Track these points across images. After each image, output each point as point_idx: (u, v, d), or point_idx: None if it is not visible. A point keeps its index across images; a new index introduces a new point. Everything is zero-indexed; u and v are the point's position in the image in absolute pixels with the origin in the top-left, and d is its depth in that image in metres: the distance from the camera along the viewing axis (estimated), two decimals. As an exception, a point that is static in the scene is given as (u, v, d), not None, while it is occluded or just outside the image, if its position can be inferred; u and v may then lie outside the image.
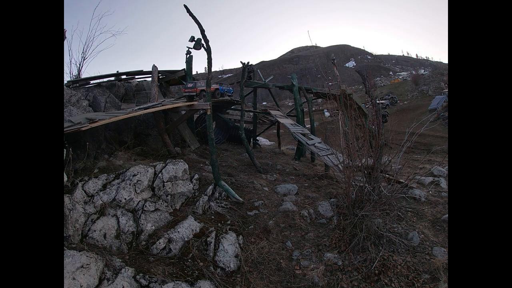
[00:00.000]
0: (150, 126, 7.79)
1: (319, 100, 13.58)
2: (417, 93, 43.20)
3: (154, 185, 4.53)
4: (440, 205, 5.14)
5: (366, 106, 10.99)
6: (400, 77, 69.97)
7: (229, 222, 4.52)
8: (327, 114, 18.46)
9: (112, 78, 8.34)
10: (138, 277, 3.09)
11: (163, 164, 4.87)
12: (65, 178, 4.04)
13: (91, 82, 7.96)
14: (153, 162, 5.21)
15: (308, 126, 10.08)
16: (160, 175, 4.65)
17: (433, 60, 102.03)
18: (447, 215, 4.66)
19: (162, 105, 6.47)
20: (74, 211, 3.67)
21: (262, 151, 11.03)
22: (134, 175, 4.37)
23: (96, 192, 4.06)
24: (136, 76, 9.08)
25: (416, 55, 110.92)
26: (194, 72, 10.10)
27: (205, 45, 5.64)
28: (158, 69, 8.79)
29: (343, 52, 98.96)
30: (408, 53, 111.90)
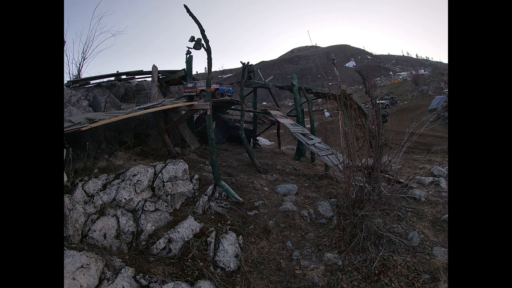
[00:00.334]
0: (150, 126, 7.79)
1: (319, 100, 13.58)
2: (417, 93, 43.20)
3: (154, 185, 4.53)
4: (440, 205, 5.14)
5: (366, 106, 11.00)
6: (400, 77, 69.97)
7: (229, 222, 4.52)
8: (327, 114, 18.46)
9: (112, 78, 8.34)
10: (138, 277, 3.09)
11: (163, 164, 4.87)
12: (65, 178, 4.04)
13: (91, 82, 7.96)
14: (153, 162, 5.21)
15: (308, 126, 10.07)
16: (160, 175, 4.65)
17: (433, 60, 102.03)
18: (447, 215, 4.66)
19: (162, 105, 6.47)
20: (74, 211, 3.67)
21: (262, 151, 11.03)
22: (134, 175, 4.37)
23: (96, 192, 4.06)
24: (136, 76, 9.07)
25: (416, 55, 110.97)
26: (194, 72, 10.10)
27: (205, 45, 5.64)
28: (158, 69, 8.79)
29: (343, 52, 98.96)
30: (408, 53, 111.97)
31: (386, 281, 3.42)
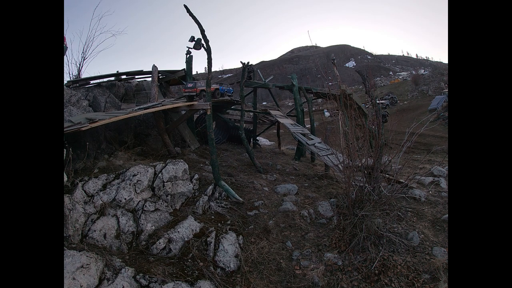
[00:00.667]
0: (150, 126, 7.79)
1: (319, 100, 13.57)
2: (417, 93, 43.22)
3: (154, 185, 4.53)
4: (440, 205, 5.14)
5: (366, 106, 10.99)
6: (400, 77, 70.00)
7: (229, 222, 4.52)
8: (327, 114, 18.45)
9: (112, 78, 8.34)
10: (138, 277, 3.09)
11: (163, 164, 4.87)
12: (65, 178, 4.04)
13: (91, 82, 7.95)
14: (153, 162, 5.21)
15: (308, 126, 10.07)
16: (160, 175, 4.65)
17: (433, 60, 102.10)
18: (447, 215, 4.66)
19: (162, 105, 6.47)
20: (74, 211, 3.67)
21: (262, 151, 11.03)
22: (134, 175, 4.37)
23: (96, 192, 4.06)
24: (136, 76, 9.07)
25: (416, 55, 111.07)
26: (194, 72, 10.09)
27: (205, 45, 5.64)
28: (158, 69, 8.79)
29: (343, 52, 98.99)
30: (408, 53, 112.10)
31: (386, 281, 3.42)
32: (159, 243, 3.73)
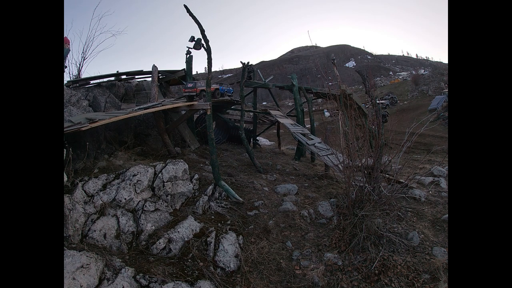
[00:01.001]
0: (150, 126, 7.79)
1: (319, 100, 13.57)
2: (417, 93, 43.22)
3: (154, 185, 4.53)
4: (440, 205, 5.14)
5: (366, 106, 10.98)
6: (400, 77, 69.98)
7: (229, 222, 4.52)
8: (327, 114, 18.45)
9: (112, 78, 8.33)
10: (138, 277, 3.09)
11: (163, 164, 4.87)
12: (65, 178, 4.04)
13: (91, 82, 7.94)
14: (153, 162, 5.21)
15: (308, 126, 10.07)
16: (160, 175, 4.65)
17: (433, 60, 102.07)
18: (447, 215, 4.66)
19: (162, 105, 6.46)
20: (74, 211, 3.67)
21: (262, 151, 11.03)
22: (134, 175, 4.37)
23: (96, 192, 4.06)
24: (136, 76, 9.06)
25: (416, 55, 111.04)
26: (194, 72, 10.09)
27: (205, 45, 5.64)
28: (158, 69, 8.78)
29: (343, 52, 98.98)
30: (408, 53, 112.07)
31: (386, 281, 3.42)
32: (159, 243, 3.73)
